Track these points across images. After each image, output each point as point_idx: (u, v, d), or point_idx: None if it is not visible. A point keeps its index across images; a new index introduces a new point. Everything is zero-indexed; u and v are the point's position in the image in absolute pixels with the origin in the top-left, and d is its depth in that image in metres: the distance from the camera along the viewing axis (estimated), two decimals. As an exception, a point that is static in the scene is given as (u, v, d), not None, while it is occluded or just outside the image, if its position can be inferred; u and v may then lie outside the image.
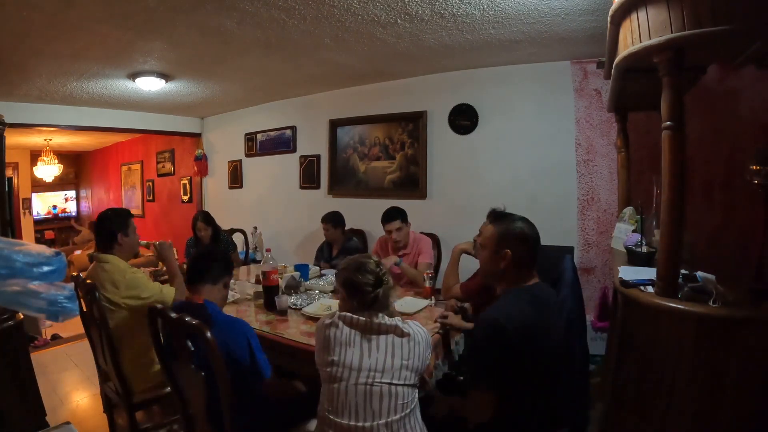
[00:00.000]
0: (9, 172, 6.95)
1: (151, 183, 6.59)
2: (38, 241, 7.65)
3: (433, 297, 2.39)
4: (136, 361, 1.98)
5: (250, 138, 4.99)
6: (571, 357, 1.70)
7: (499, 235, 1.45)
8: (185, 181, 5.86)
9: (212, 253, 1.90)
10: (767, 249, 1.38)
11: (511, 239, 1.42)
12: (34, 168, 7.03)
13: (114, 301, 1.94)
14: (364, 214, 3.94)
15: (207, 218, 3.62)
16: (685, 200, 1.33)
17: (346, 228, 3.81)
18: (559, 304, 1.53)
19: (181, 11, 2.26)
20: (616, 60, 1.54)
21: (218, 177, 5.48)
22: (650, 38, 1.30)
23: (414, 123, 3.70)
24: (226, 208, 5.28)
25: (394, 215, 2.92)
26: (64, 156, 7.73)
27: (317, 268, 3.08)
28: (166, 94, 4.07)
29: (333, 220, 3.40)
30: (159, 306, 1.61)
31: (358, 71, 3.50)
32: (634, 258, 1.82)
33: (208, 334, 1.39)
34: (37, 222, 8.06)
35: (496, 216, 1.52)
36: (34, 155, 7.11)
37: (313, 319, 2.20)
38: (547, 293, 1.49)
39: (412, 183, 3.73)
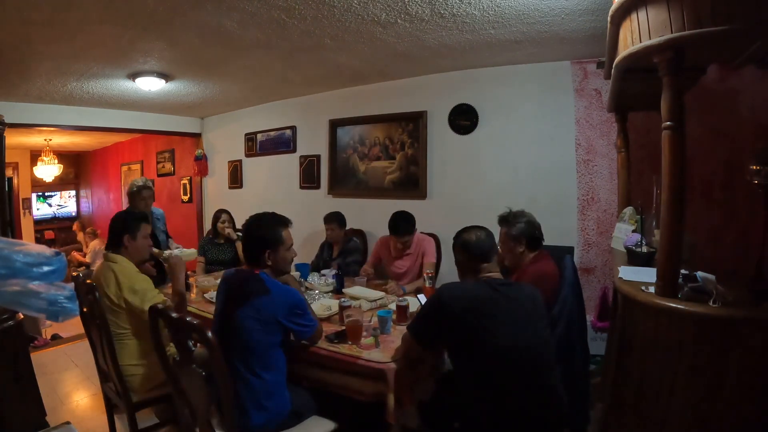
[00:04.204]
0: (9, 172, 6.95)
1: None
2: (38, 241, 7.65)
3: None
4: (137, 362, 1.98)
5: (250, 138, 4.99)
6: (570, 357, 1.71)
7: (452, 247, 1.76)
8: (185, 181, 5.86)
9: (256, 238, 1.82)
10: (767, 249, 1.38)
11: (456, 252, 1.73)
12: (34, 168, 7.02)
13: (114, 301, 1.94)
14: (364, 214, 3.94)
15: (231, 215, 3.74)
16: (685, 200, 1.33)
17: (346, 228, 3.82)
18: (543, 306, 1.61)
19: (181, 11, 2.26)
20: (616, 60, 1.54)
21: (218, 177, 5.48)
22: (650, 38, 1.30)
23: (414, 123, 3.70)
24: (226, 208, 5.26)
25: (400, 229, 2.90)
26: (64, 156, 7.72)
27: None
28: (166, 94, 4.07)
29: (339, 220, 3.40)
30: (160, 306, 1.61)
31: (358, 71, 3.50)
32: (634, 258, 1.82)
33: (209, 334, 1.39)
34: (37, 222, 8.05)
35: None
36: (34, 155, 7.10)
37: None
38: (516, 291, 1.57)
39: (412, 183, 3.73)
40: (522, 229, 2.12)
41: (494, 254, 1.67)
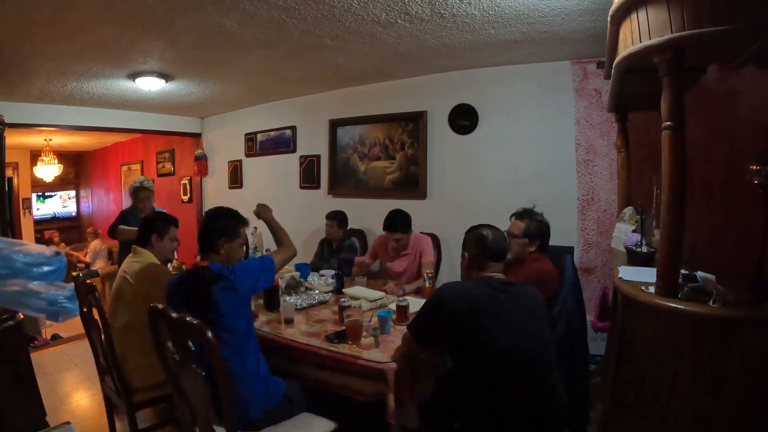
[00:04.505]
0: (9, 172, 6.94)
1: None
2: (38, 241, 7.64)
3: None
4: (139, 361, 1.98)
5: (250, 138, 4.99)
6: (570, 357, 1.70)
7: (463, 241, 1.73)
8: (185, 181, 5.86)
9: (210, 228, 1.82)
10: (767, 249, 1.38)
11: (469, 244, 1.69)
12: (34, 168, 7.02)
13: (135, 288, 2.00)
14: (364, 214, 3.94)
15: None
16: (685, 200, 1.33)
17: (347, 228, 3.82)
18: (539, 305, 1.60)
19: (181, 11, 2.26)
20: (616, 60, 1.54)
21: (218, 177, 5.48)
22: (650, 38, 1.30)
23: (414, 123, 3.70)
24: (226, 208, 5.28)
25: (396, 226, 2.88)
26: (64, 156, 7.72)
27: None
28: (166, 94, 4.07)
29: (339, 218, 3.42)
30: (160, 306, 1.61)
31: (358, 71, 3.50)
32: (634, 258, 1.82)
33: (209, 334, 1.39)
34: (37, 222, 8.05)
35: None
36: (34, 155, 7.10)
37: (316, 321, 2.21)
38: (516, 291, 1.57)
39: (412, 183, 3.73)
40: (541, 228, 2.14)
41: (504, 257, 1.67)
